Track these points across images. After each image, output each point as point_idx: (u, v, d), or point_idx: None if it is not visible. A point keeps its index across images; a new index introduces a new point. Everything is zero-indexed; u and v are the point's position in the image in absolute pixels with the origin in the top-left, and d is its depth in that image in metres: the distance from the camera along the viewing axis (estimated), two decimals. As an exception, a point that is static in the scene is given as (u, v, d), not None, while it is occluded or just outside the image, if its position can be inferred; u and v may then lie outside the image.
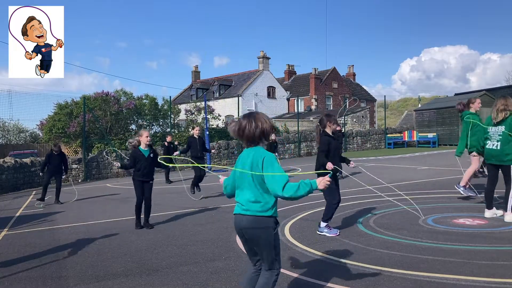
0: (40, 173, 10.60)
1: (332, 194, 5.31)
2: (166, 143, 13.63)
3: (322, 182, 2.66)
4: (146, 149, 6.50)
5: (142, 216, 6.53)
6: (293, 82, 43.35)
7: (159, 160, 5.83)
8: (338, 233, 5.37)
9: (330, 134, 5.45)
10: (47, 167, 10.03)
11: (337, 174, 5.45)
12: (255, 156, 2.77)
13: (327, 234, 5.34)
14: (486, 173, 9.76)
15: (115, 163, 6.52)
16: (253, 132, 2.81)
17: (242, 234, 2.86)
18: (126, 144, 7.02)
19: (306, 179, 2.74)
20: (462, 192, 7.13)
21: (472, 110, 7.05)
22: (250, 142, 2.85)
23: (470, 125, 6.87)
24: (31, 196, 11.33)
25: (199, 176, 9.26)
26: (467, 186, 7.19)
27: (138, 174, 6.44)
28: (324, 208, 5.53)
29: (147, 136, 6.50)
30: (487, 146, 5.78)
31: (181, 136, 20.31)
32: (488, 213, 5.90)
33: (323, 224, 5.42)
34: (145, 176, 6.45)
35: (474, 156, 6.97)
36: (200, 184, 9.51)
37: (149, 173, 6.51)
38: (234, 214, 2.88)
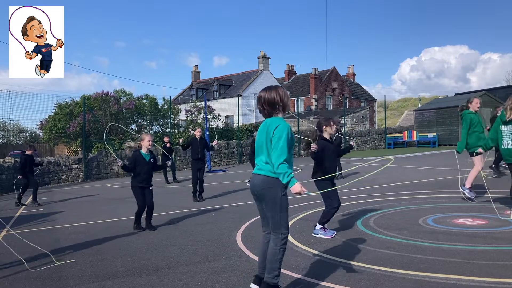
0: (19, 176, 10.07)
1: (331, 199, 5.26)
2: (168, 144, 13.65)
3: (297, 190, 2.99)
4: (147, 153, 6.37)
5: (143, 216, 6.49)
6: (293, 82, 43.36)
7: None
8: (333, 235, 5.29)
9: (328, 138, 5.40)
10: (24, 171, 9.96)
11: (337, 175, 5.42)
12: (270, 125, 3.12)
13: (323, 236, 5.27)
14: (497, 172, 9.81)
15: (119, 161, 6.32)
16: (266, 101, 3.18)
17: (255, 192, 3.21)
18: (126, 145, 6.73)
19: (291, 174, 3.02)
20: (466, 194, 7.05)
21: (471, 110, 7.05)
22: (265, 112, 3.21)
23: (470, 123, 6.88)
24: (31, 196, 11.32)
25: (197, 182, 9.04)
26: (471, 188, 7.16)
27: (138, 180, 6.28)
28: (323, 209, 5.51)
29: (149, 140, 6.33)
30: (502, 147, 5.76)
31: (181, 136, 20.30)
32: None
33: (318, 226, 5.36)
34: (144, 182, 6.31)
35: (477, 155, 6.95)
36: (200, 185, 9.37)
37: (149, 178, 6.37)
38: (252, 173, 3.27)
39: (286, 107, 3.24)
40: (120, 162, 6.35)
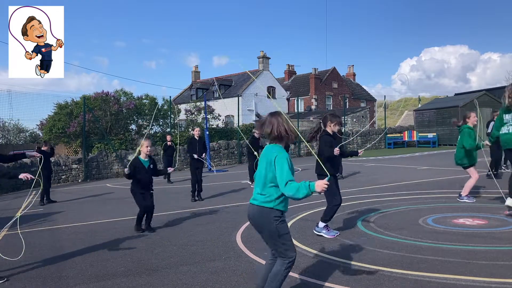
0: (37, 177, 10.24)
1: (333, 195, 5.24)
2: (169, 143, 13.66)
3: (320, 185, 2.88)
4: (146, 159, 6.24)
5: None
6: (293, 82, 43.35)
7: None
8: (335, 236, 5.27)
9: (330, 133, 5.40)
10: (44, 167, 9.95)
11: (338, 175, 5.41)
12: (270, 154, 3.04)
13: (325, 235, 5.25)
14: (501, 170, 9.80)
15: (126, 169, 6.14)
16: (270, 132, 3.08)
17: (251, 223, 3.16)
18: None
19: (307, 181, 2.92)
20: (467, 201, 7.09)
21: (469, 124, 7.12)
22: (270, 140, 3.13)
23: (472, 136, 6.95)
24: (31, 196, 11.32)
25: (196, 181, 9.08)
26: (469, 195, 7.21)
27: (138, 186, 6.21)
28: (324, 208, 5.51)
29: (147, 146, 6.17)
30: (502, 132, 5.80)
31: (181, 136, 20.30)
32: (510, 201, 5.77)
33: (321, 224, 5.33)
34: (144, 188, 6.23)
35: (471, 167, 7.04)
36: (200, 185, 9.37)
37: (149, 184, 6.29)
38: (249, 203, 3.19)
39: (284, 137, 3.08)
40: (127, 170, 6.14)
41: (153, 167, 6.34)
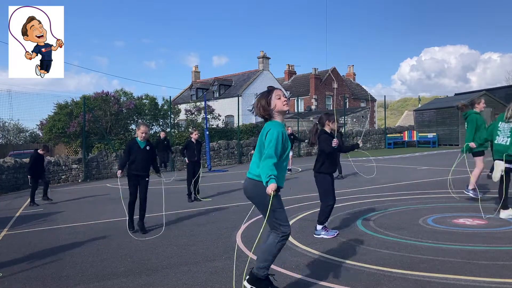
0: (29, 176, 9.96)
1: (326, 195, 5.26)
2: (160, 137, 13.76)
3: (270, 189, 2.89)
4: (143, 141, 6.31)
5: (136, 216, 6.33)
6: (293, 82, 43.36)
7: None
8: (335, 235, 5.26)
9: (329, 132, 5.42)
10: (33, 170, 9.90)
11: (338, 175, 5.40)
12: (264, 128, 3.17)
13: (325, 237, 5.24)
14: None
15: (119, 173, 6.22)
16: (257, 107, 3.25)
17: (246, 195, 3.25)
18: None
19: (271, 175, 2.94)
20: (472, 195, 7.04)
21: (477, 110, 7.10)
22: (260, 116, 3.26)
23: (475, 124, 6.93)
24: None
25: (191, 183, 9.07)
26: (475, 188, 7.16)
27: (133, 167, 6.19)
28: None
29: (142, 132, 6.28)
30: (495, 142, 5.84)
31: (181, 136, 20.29)
32: (503, 214, 5.78)
33: (319, 227, 5.33)
34: (139, 170, 6.18)
35: (478, 156, 7.00)
36: (198, 185, 9.31)
37: (145, 167, 6.25)
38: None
39: (274, 110, 3.20)
40: (119, 172, 6.23)
41: (149, 149, 6.36)
